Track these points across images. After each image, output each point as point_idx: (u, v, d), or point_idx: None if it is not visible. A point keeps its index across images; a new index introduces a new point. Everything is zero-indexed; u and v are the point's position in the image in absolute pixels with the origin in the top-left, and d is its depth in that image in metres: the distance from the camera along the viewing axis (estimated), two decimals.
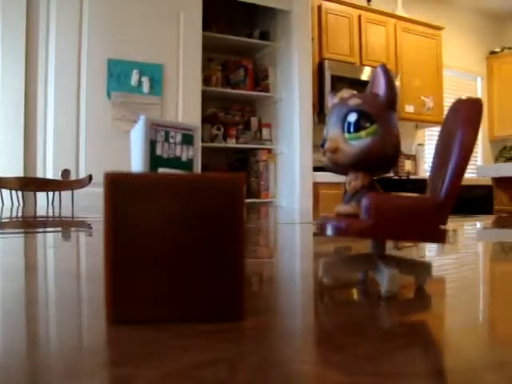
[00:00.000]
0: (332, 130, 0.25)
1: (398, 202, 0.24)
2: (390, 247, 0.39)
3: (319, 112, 3.23)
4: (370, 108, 0.24)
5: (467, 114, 0.23)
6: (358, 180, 0.25)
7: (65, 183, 2.21)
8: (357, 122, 0.24)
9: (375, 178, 0.25)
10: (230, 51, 3.21)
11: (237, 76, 3.20)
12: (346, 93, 0.25)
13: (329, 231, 0.25)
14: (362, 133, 0.24)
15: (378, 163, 0.24)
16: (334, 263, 0.26)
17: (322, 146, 0.25)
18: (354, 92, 0.25)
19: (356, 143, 0.24)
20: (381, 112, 0.23)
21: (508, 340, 0.19)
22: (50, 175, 2.38)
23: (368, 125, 0.24)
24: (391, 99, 0.24)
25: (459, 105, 0.24)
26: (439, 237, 0.24)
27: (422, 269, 0.26)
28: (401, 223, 0.23)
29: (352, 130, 0.24)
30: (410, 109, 3.61)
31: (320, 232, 0.25)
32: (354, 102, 0.24)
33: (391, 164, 0.25)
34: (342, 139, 0.24)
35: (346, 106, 0.24)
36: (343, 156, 0.24)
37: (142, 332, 0.18)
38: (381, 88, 0.24)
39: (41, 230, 0.73)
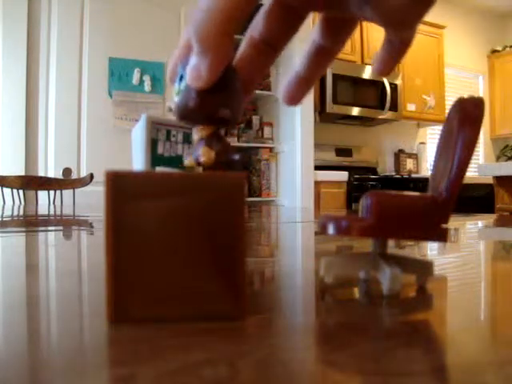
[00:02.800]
0: None
1: (400, 200, 0.24)
2: (391, 245, 0.39)
3: (320, 111, 3.23)
4: (183, 67, 0.23)
5: (469, 112, 0.23)
6: (199, 132, 0.24)
7: (66, 182, 2.21)
8: (178, 81, 0.24)
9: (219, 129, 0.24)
10: None
11: None
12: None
13: (330, 230, 0.25)
14: (179, 89, 0.23)
15: (190, 116, 0.23)
16: (335, 262, 0.26)
17: None
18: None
19: (176, 100, 0.24)
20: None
21: (510, 339, 0.19)
22: (51, 174, 2.39)
23: (182, 82, 0.23)
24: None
25: (461, 103, 0.24)
26: (441, 235, 0.24)
27: (423, 268, 0.26)
28: (402, 222, 0.23)
29: (175, 88, 0.24)
30: (411, 107, 3.61)
31: (321, 231, 0.25)
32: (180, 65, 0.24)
33: (202, 116, 0.23)
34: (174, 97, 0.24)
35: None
36: (173, 113, 0.24)
37: (143, 331, 0.18)
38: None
39: (42, 228, 0.73)
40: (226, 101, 0.23)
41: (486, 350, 0.17)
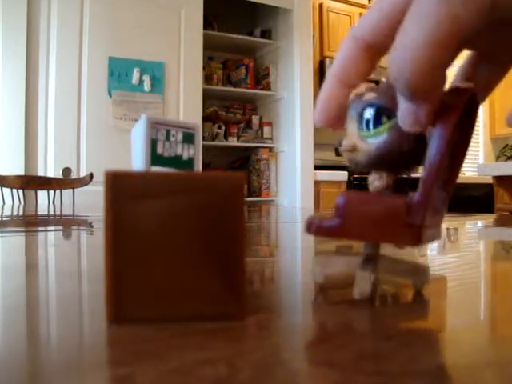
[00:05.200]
0: (349, 129, 0.24)
1: (369, 201, 0.22)
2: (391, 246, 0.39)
3: None
4: (387, 101, 0.22)
5: (444, 104, 0.21)
6: (382, 180, 0.24)
7: (66, 182, 2.21)
8: (374, 118, 0.23)
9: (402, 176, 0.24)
10: (231, 49, 3.20)
11: (238, 74, 3.20)
12: (362, 87, 0.24)
13: (308, 230, 0.24)
14: (380, 129, 0.22)
15: (397, 161, 0.23)
16: (325, 262, 0.26)
17: (340, 145, 0.24)
18: (372, 85, 0.23)
19: (373, 141, 0.23)
20: (397, 104, 0.21)
21: (509, 340, 0.19)
22: (51, 174, 2.39)
23: (385, 120, 0.22)
24: None
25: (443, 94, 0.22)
26: (412, 238, 0.22)
27: (418, 272, 0.25)
28: (370, 224, 0.22)
29: (370, 126, 0.23)
30: None
31: (305, 231, 0.25)
32: (370, 95, 0.23)
33: (412, 160, 0.23)
34: (359, 137, 0.23)
35: (362, 102, 0.23)
36: (361, 155, 0.23)
37: (143, 331, 0.18)
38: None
39: (42, 228, 0.73)
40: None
41: (487, 350, 0.17)
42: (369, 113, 0.23)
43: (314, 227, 0.24)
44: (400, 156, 0.22)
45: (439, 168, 0.21)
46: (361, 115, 0.23)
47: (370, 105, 0.22)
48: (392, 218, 0.22)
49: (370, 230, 0.22)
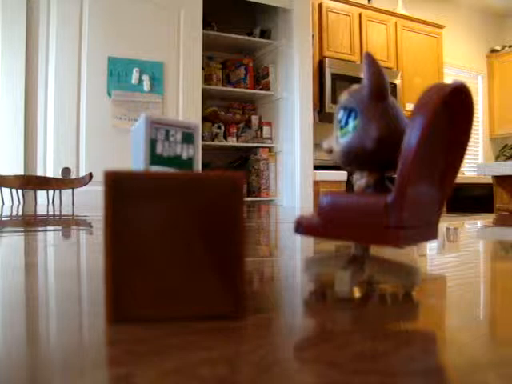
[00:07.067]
0: (333, 130, 0.24)
1: (347, 201, 0.22)
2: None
3: (320, 110, 3.23)
4: (353, 102, 0.22)
5: (424, 97, 0.20)
6: (363, 179, 0.23)
7: (65, 182, 2.21)
8: (343, 119, 0.23)
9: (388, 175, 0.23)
10: (231, 49, 3.20)
11: (237, 74, 3.20)
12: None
13: (296, 230, 0.24)
14: (347, 128, 0.22)
15: (364, 159, 0.22)
16: (315, 261, 0.26)
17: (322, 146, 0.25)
18: (355, 86, 0.24)
19: (342, 141, 0.23)
20: (364, 104, 0.22)
21: (509, 340, 0.19)
22: (50, 173, 2.39)
23: (351, 120, 0.22)
24: (375, 89, 0.22)
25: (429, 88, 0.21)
26: (391, 239, 0.21)
27: (408, 273, 0.25)
28: (348, 224, 0.22)
29: (340, 127, 0.23)
30: (411, 107, 3.61)
31: (294, 231, 0.25)
32: (343, 98, 0.23)
33: (385, 158, 0.22)
34: (335, 139, 0.24)
35: (338, 104, 0.24)
36: (335, 156, 0.24)
37: (142, 330, 0.18)
38: (364, 78, 0.22)
39: (41, 228, 0.73)
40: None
41: (486, 350, 0.17)
42: (340, 114, 0.23)
43: (301, 227, 0.24)
44: (366, 154, 0.22)
45: (414, 161, 0.20)
46: (336, 117, 0.23)
47: (342, 106, 0.23)
48: (370, 219, 0.21)
49: (349, 230, 0.22)
